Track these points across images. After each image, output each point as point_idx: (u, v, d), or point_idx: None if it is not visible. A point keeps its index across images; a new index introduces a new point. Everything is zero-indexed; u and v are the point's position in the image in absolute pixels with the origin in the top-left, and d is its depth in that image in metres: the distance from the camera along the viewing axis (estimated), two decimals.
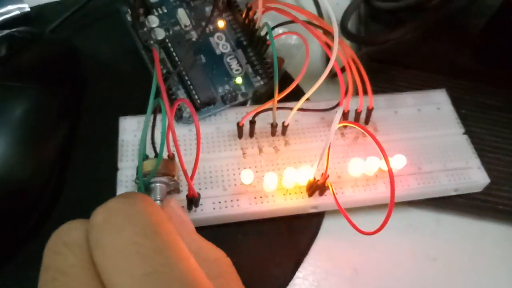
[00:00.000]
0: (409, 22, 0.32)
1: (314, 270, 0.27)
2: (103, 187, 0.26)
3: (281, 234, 0.27)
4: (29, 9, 0.35)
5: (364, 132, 0.28)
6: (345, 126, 0.29)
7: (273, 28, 0.29)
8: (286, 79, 0.33)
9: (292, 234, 0.27)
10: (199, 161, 0.27)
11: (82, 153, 0.29)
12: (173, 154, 0.25)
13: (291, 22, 0.26)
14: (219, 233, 0.26)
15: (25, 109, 0.26)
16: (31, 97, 0.26)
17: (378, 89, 0.33)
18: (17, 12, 0.34)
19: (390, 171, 0.20)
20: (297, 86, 0.32)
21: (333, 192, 0.24)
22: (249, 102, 0.31)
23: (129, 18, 0.29)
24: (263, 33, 0.29)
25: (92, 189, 0.27)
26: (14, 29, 0.29)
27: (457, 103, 0.32)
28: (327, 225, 0.28)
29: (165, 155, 0.22)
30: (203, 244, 0.20)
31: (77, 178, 0.28)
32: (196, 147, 0.27)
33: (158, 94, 0.22)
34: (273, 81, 0.32)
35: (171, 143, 0.27)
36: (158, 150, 0.25)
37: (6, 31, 0.29)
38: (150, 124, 0.24)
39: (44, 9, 0.36)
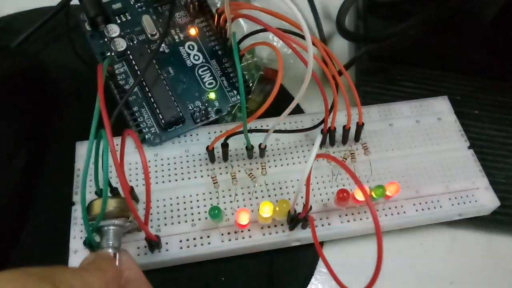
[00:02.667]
0: (413, 16, 0.28)
1: None
2: (61, 223, 0.23)
3: (278, 266, 0.24)
4: None
5: (353, 154, 0.24)
6: (332, 145, 0.26)
7: (250, 34, 0.25)
8: (281, 92, 0.30)
9: (291, 265, 0.25)
10: (164, 191, 0.24)
11: (46, 183, 0.26)
12: (132, 188, 0.22)
13: (264, 30, 0.23)
14: (197, 271, 0.23)
15: None
16: None
17: (379, 91, 0.29)
18: None
19: (375, 220, 0.16)
20: (290, 96, 0.29)
21: (312, 228, 0.21)
22: (226, 119, 0.28)
23: (87, 28, 0.26)
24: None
25: (57, 222, 0.24)
26: None
27: (468, 103, 0.29)
28: (328, 252, 0.25)
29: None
30: None
31: (40, 214, 0.25)
32: (162, 176, 0.24)
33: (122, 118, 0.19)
34: (262, 95, 0.29)
35: (132, 173, 0.24)
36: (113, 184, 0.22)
37: None
38: (101, 152, 0.21)
39: (11, 21, 0.33)
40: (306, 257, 0.25)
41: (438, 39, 0.31)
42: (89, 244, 0.20)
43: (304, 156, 0.26)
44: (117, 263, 0.19)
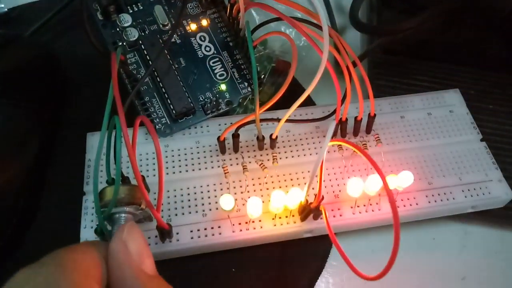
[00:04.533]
0: (429, 8, 0.27)
1: None
2: (73, 213, 0.23)
3: (288, 258, 0.24)
4: (6, 10, 0.32)
5: (365, 145, 0.24)
6: (343, 136, 0.26)
7: (262, 25, 0.25)
8: (292, 85, 0.29)
9: (302, 257, 0.24)
10: (175, 182, 0.24)
11: (56, 173, 0.26)
12: (143, 177, 0.22)
13: (276, 20, 0.22)
14: (207, 262, 0.23)
15: None
16: None
17: (392, 85, 0.29)
18: None
19: (393, 207, 0.16)
20: (301, 87, 0.29)
21: (326, 218, 0.21)
22: (238, 111, 0.28)
23: (99, 17, 0.26)
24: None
25: (67, 213, 0.24)
26: None
27: (484, 97, 0.28)
28: (340, 243, 0.24)
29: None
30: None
31: (50, 202, 0.25)
32: (173, 167, 0.24)
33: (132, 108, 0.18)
34: (273, 87, 0.29)
35: (143, 164, 0.24)
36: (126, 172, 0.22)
37: None
38: (112, 142, 0.21)
39: (25, 11, 0.33)
40: (317, 250, 0.25)
41: (452, 32, 0.30)
42: (101, 232, 0.20)
43: (315, 148, 0.26)
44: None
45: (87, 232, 0.22)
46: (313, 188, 0.23)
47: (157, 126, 0.25)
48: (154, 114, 0.25)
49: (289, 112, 0.22)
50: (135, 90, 0.23)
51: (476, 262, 0.25)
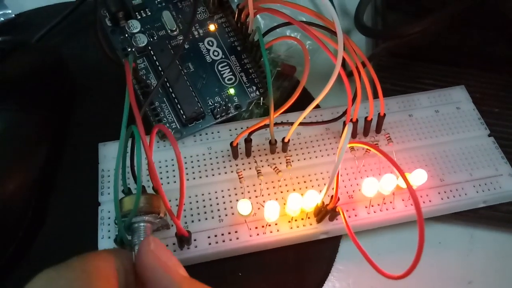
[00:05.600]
0: (435, 11, 0.27)
1: None
2: (87, 221, 0.23)
3: (294, 262, 0.24)
4: (13, 16, 0.32)
5: (377, 145, 0.24)
6: (353, 137, 0.26)
7: (270, 30, 0.25)
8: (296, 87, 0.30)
9: (308, 262, 0.24)
10: (189, 188, 0.24)
11: (65, 180, 0.26)
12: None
13: (288, 24, 0.23)
14: (217, 266, 0.23)
15: None
16: (4, 121, 0.23)
17: (399, 89, 0.29)
18: (1, 19, 0.31)
19: (417, 206, 0.16)
20: (306, 91, 0.29)
21: (344, 219, 0.21)
22: (244, 115, 0.28)
23: (108, 23, 0.26)
24: (256, 37, 0.25)
25: (76, 221, 0.24)
26: None
27: (490, 100, 0.29)
28: (346, 247, 0.25)
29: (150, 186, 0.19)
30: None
31: (59, 209, 0.25)
32: (187, 173, 0.24)
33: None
34: (278, 91, 0.29)
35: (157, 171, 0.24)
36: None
37: None
38: (128, 152, 0.21)
39: (32, 16, 0.33)
40: (323, 255, 0.25)
41: (458, 35, 0.31)
42: (120, 241, 0.20)
43: (326, 150, 0.26)
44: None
45: (105, 242, 0.22)
46: (327, 195, 0.23)
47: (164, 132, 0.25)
48: (165, 119, 0.26)
49: (302, 116, 0.22)
50: (149, 99, 0.23)
51: (482, 266, 0.25)
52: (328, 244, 0.24)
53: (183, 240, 0.21)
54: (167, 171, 0.24)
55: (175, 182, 0.24)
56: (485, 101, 0.29)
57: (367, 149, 0.25)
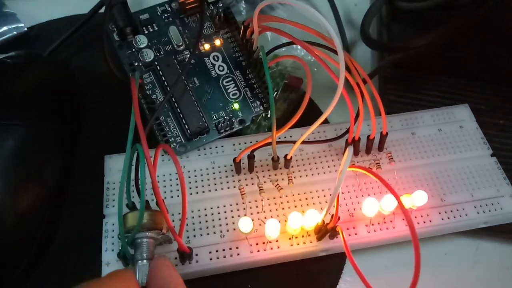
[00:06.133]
0: (439, 26, 0.27)
1: None
2: (95, 233, 0.24)
3: (303, 273, 0.24)
4: (26, 29, 0.32)
5: (379, 163, 0.25)
6: (356, 155, 0.26)
7: (274, 49, 0.25)
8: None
9: (316, 274, 0.25)
10: (192, 203, 0.24)
11: (76, 189, 0.26)
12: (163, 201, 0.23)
13: (291, 44, 0.23)
14: (224, 280, 0.24)
15: (10, 149, 0.23)
16: (17, 136, 0.23)
17: (404, 100, 0.30)
18: (14, 32, 0.32)
19: (413, 233, 0.17)
20: (312, 102, 0.30)
21: (343, 239, 0.21)
22: (251, 128, 0.28)
23: (116, 38, 0.26)
24: (260, 55, 0.25)
25: (86, 233, 0.24)
26: (7, 54, 0.27)
27: (494, 112, 0.29)
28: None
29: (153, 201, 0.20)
30: None
31: (71, 220, 0.26)
32: (190, 188, 0.25)
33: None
34: (286, 103, 0.29)
35: (160, 185, 0.25)
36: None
37: None
38: (133, 168, 0.21)
39: (43, 28, 0.33)
40: (331, 267, 0.25)
41: (463, 47, 0.31)
42: (123, 256, 0.21)
43: (328, 166, 0.26)
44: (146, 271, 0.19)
45: (109, 255, 0.23)
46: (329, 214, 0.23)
47: (172, 145, 0.26)
48: (169, 133, 0.26)
49: (305, 135, 0.22)
50: (154, 116, 0.23)
51: (488, 277, 0.25)
52: (336, 257, 0.25)
53: (184, 256, 0.21)
54: (171, 185, 0.25)
55: (178, 196, 0.25)
56: (490, 113, 0.29)
57: (367, 166, 0.25)
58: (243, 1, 0.32)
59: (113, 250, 0.23)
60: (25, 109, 0.24)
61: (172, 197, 0.24)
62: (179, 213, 0.24)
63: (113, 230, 0.23)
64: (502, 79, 0.31)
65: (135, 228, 0.19)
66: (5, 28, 0.31)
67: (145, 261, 0.20)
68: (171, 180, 0.25)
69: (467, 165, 0.26)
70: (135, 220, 0.20)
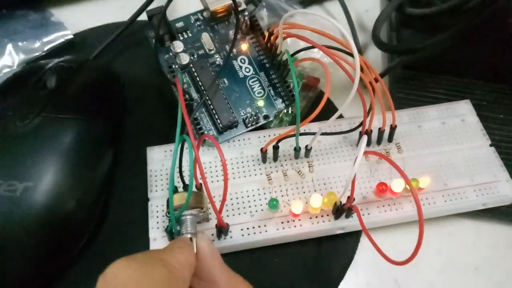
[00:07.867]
0: (445, 30, 0.30)
1: (356, 282, 0.27)
2: (139, 214, 0.27)
3: (319, 253, 0.28)
4: (72, 36, 0.36)
5: (389, 152, 0.28)
6: (368, 145, 0.30)
7: (296, 53, 0.29)
8: (321, 97, 0.33)
9: (330, 253, 0.28)
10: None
11: (122, 180, 0.30)
12: (201, 185, 0.26)
13: (311, 48, 0.26)
14: (255, 254, 0.27)
15: (74, 141, 0.26)
16: (80, 129, 0.27)
17: (412, 98, 0.33)
18: (62, 40, 0.35)
19: (419, 210, 0.20)
20: (329, 101, 0.33)
21: (359, 217, 0.25)
22: (274, 122, 0.31)
23: (156, 44, 0.30)
24: (285, 58, 0.29)
25: (132, 214, 0.28)
26: (60, 59, 0.30)
27: (495, 108, 0.32)
28: (366, 240, 0.28)
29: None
30: (231, 275, 0.21)
31: (118, 204, 0.29)
32: (222, 174, 0.28)
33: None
34: (304, 100, 0.33)
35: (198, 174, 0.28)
36: (185, 181, 0.26)
37: (53, 61, 0.30)
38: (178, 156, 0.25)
39: (86, 35, 0.37)
40: (347, 245, 0.28)
41: (467, 49, 0.33)
42: (170, 231, 0.24)
43: (343, 156, 0.29)
44: (194, 245, 0.22)
45: (155, 232, 0.26)
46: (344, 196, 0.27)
47: (205, 138, 0.29)
48: (204, 127, 0.29)
49: (324, 128, 0.26)
50: (194, 112, 0.27)
51: (487, 254, 0.28)
52: (351, 237, 0.28)
53: (222, 231, 0.25)
54: (206, 172, 0.28)
55: (212, 182, 0.28)
56: (491, 108, 0.32)
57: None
58: (264, 9, 0.35)
59: (158, 228, 0.26)
60: (80, 106, 0.28)
61: (212, 182, 0.28)
62: (214, 196, 0.27)
63: (157, 211, 0.27)
64: (503, 78, 0.34)
65: (183, 206, 0.23)
66: (53, 35, 0.35)
67: (189, 234, 0.23)
68: (205, 168, 0.29)
69: (468, 154, 0.30)
70: (180, 200, 0.23)
